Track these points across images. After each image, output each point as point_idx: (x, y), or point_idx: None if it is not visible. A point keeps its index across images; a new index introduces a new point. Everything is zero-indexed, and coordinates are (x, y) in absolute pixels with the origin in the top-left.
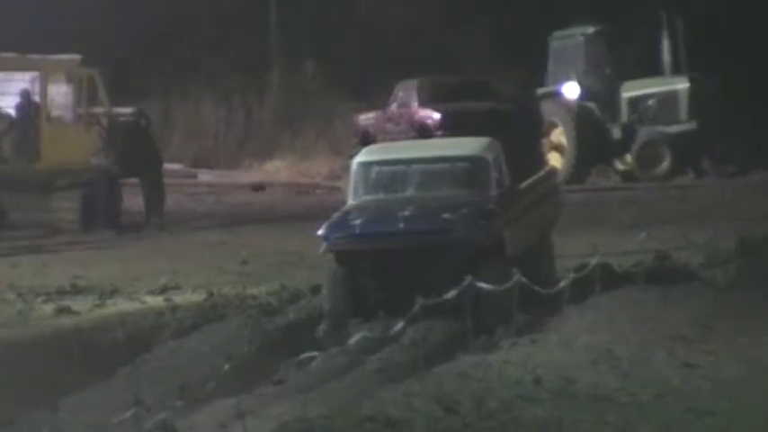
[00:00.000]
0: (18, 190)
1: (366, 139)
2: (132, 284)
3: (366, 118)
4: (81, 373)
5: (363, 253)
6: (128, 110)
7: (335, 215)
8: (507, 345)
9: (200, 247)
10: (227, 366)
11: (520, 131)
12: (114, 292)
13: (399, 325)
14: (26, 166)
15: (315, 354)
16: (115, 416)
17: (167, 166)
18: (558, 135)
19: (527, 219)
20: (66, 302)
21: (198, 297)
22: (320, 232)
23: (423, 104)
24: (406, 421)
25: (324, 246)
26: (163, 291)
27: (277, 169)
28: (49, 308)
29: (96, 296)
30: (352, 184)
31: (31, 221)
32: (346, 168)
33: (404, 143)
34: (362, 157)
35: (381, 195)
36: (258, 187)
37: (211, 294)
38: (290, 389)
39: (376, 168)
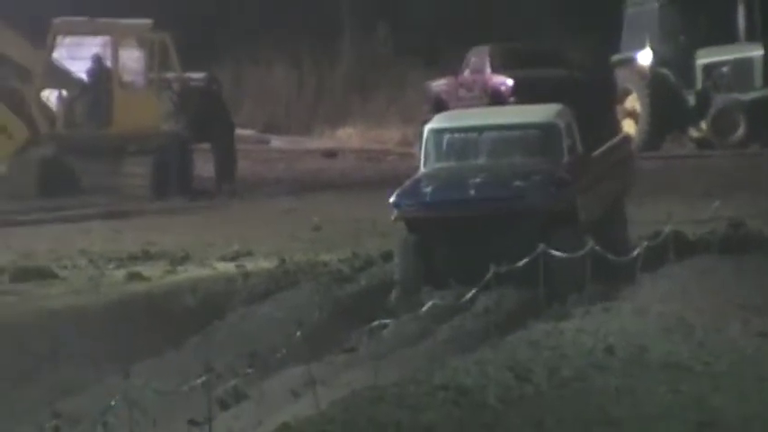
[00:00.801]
0: (89, 155)
1: (438, 105)
2: (204, 251)
3: (438, 84)
4: (152, 339)
5: (435, 221)
6: (199, 75)
7: (407, 182)
8: (580, 313)
9: (271, 213)
10: (298, 333)
11: (593, 99)
12: (185, 258)
13: (471, 293)
14: (97, 131)
15: (386, 321)
16: (186, 383)
17: (239, 131)
18: (633, 102)
19: (600, 187)
20: (138, 268)
21: (269, 264)
22: (391, 200)
23: (495, 71)
24: (479, 389)
25: (395, 213)
26: (234, 257)
27: (349, 136)
28: (120, 274)
29: (167, 262)
30: (423, 152)
31: (103, 187)
32: (419, 135)
33: (475, 110)
34: (434, 123)
35: (453, 163)
36: (330, 153)
37: (283, 261)
38: (361, 357)
39: (448, 135)
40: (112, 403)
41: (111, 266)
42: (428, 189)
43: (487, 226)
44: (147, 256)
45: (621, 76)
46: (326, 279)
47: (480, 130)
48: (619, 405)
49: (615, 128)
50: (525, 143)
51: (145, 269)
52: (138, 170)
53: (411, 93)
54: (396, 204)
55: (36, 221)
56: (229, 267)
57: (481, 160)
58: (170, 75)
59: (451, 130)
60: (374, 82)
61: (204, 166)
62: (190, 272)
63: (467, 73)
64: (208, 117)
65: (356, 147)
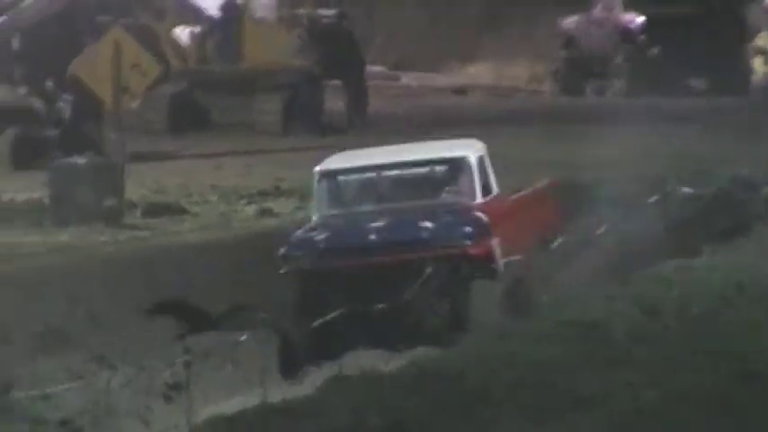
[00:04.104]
0: (220, 91)
1: (569, 43)
2: None
3: (569, 22)
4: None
5: (331, 273)
6: (330, 11)
7: (297, 231)
8: (710, 251)
9: None
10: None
11: (725, 36)
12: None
13: (601, 229)
14: (229, 66)
15: (517, 258)
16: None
17: (369, 68)
18: (764, 40)
19: (521, 232)
20: (268, 204)
21: None
22: (280, 251)
23: (627, 8)
24: (607, 324)
25: (284, 267)
26: None
27: (478, 73)
28: (250, 210)
29: (298, 198)
30: (315, 198)
31: (233, 123)
32: (549, 73)
33: (374, 149)
34: (324, 165)
35: (350, 208)
36: (459, 91)
37: None
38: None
39: (341, 178)
40: (242, 339)
41: (241, 202)
42: (322, 236)
43: (392, 276)
44: (278, 192)
45: (752, 13)
46: None
47: (378, 169)
48: (747, 341)
49: (746, 66)
50: (432, 182)
51: (275, 205)
52: (269, 106)
53: (542, 30)
54: (284, 256)
55: (168, 157)
56: None
57: (382, 204)
58: (301, 11)
59: (345, 172)
60: (505, 18)
61: (335, 102)
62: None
63: (598, 10)
64: (338, 53)
65: (486, 84)
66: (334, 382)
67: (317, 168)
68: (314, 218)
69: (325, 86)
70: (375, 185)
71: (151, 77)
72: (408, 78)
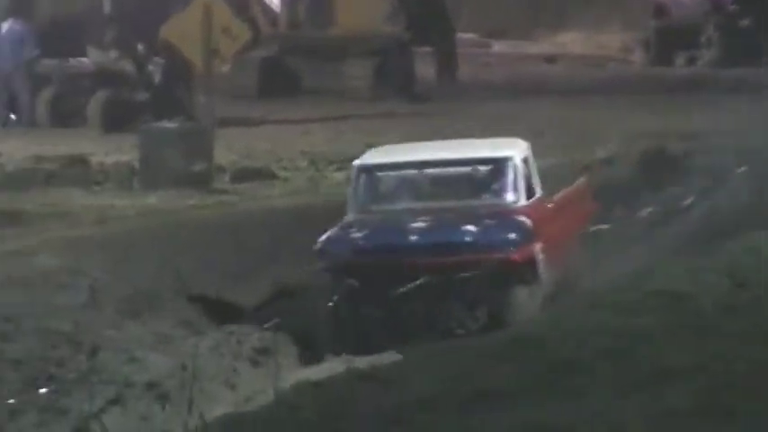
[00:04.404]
0: (311, 56)
1: (660, 11)
2: None
3: None
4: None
5: (369, 269)
6: None
7: (333, 228)
8: None
9: (489, 118)
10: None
11: None
12: None
13: (689, 200)
14: (319, 32)
15: (604, 226)
16: None
17: (460, 35)
18: None
19: (563, 240)
20: None
21: None
22: (316, 246)
23: None
24: (694, 295)
25: (321, 263)
26: None
27: (569, 41)
28: (340, 175)
29: None
30: (352, 193)
31: (324, 88)
32: (639, 42)
33: (416, 144)
34: (364, 160)
35: (387, 206)
36: (550, 59)
37: None
38: (576, 262)
39: (381, 174)
40: (331, 304)
41: (330, 168)
42: (361, 233)
43: (431, 278)
44: None
45: None
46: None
47: (420, 166)
48: None
49: None
50: (474, 181)
51: None
52: (359, 72)
53: None
54: (322, 251)
55: (257, 122)
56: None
57: (422, 203)
58: None
59: (385, 167)
60: None
61: (425, 68)
62: None
63: None
64: (428, 20)
65: (576, 52)
66: (422, 350)
67: (356, 162)
68: (349, 214)
69: (416, 53)
70: (415, 183)
71: (241, 42)
72: (500, 46)
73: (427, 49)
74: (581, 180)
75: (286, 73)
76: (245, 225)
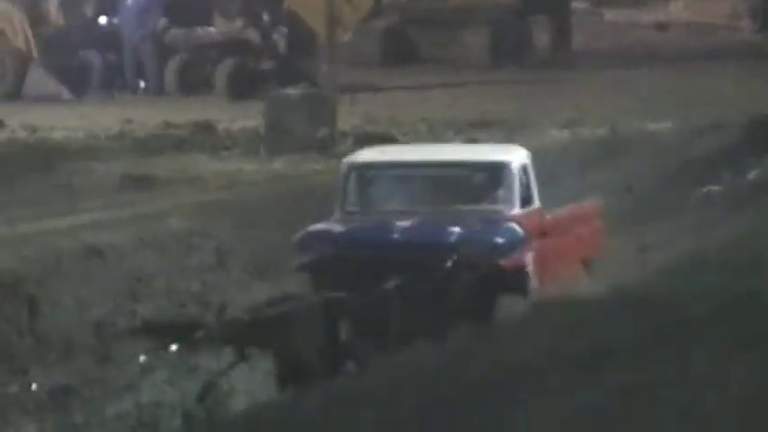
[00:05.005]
0: (430, 25)
1: None
2: (538, 118)
3: None
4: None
5: (350, 264)
6: None
7: (317, 224)
8: None
9: (602, 84)
10: (629, 193)
11: None
12: (521, 125)
13: None
14: (438, 2)
15: (715, 187)
16: None
17: (574, 4)
18: None
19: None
20: (475, 135)
21: (601, 131)
22: (295, 239)
23: None
24: None
25: (301, 257)
26: (567, 125)
27: (680, 9)
28: (458, 140)
29: (503, 129)
30: (342, 191)
31: (442, 56)
32: (747, 10)
33: (410, 145)
34: (355, 158)
35: (377, 205)
36: (661, 26)
37: (614, 129)
38: (689, 221)
39: (372, 172)
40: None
41: (449, 132)
42: (343, 229)
43: (412, 281)
44: (484, 124)
45: None
46: (657, 149)
47: (412, 167)
48: None
49: None
50: (468, 186)
51: (482, 135)
52: (477, 40)
53: None
54: (301, 243)
55: (378, 89)
56: (563, 134)
57: (412, 204)
58: None
59: (376, 166)
60: None
61: (540, 36)
62: (525, 138)
63: None
64: None
65: (687, 20)
66: (539, 307)
67: (346, 160)
68: (337, 211)
69: (531, 21)
70: (406, 184)
71: (363, 11)
72: (611, 14)
73: (541, 17)
74: (592, 202)
75: (407, 42)
76: None
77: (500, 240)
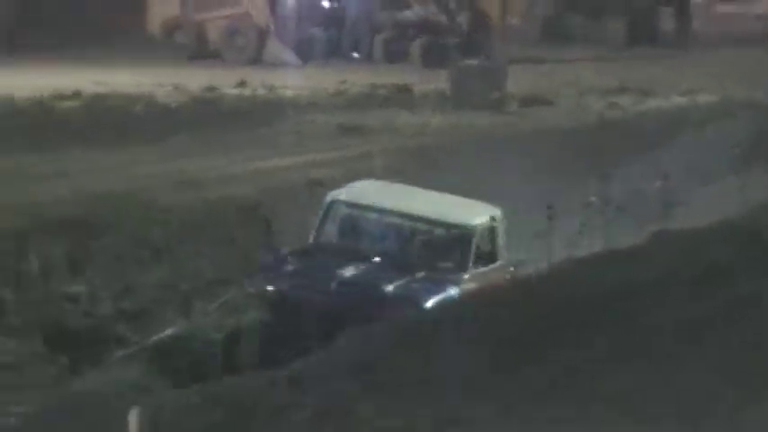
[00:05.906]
0: (579, 12)
1: None
2: (666, 87)
3: None
4: (622, 153)
5: (288, 304)
6: None
7: (282, 250)
8: None
9: (715, 62)
10: (736, 152)
11: None
12: (651, 92)
13: None
14: None
15: None
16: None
17: None
18: None
19: None
20: (614, 99)
21: (713, 98)
22: (260, 263)
23: None
24: None
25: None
26: (687, 93)
27: None
28: (601, 103)
29: (638, 95)
30: (318, 221)
31: (590, 37)
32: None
33: (398, 187)
34: (336, 194)
35: (344, 242)
36: (762, 18)
37: (725, 97)
38: None
39: (346, 211)
40: (592, 199)
41: (593, 97)
42: (290, 269)
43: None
44: (622, 90)
45: None
46: (754, 114)
47: (386, 213)
48: None
49: None
50: (431, 241)
51: (620, 100)
52: (616, 25)
53: None
54: (262, 268)
55: (538, 61)
56: (683, 100)
57: (379, 247)
58: None
59: (355, 207)
60: None
61: (666, 22)
62: (654, 104)
63: None
64: None
65: None
66: (659, 235)
67: (331, 194)
68: (311, 239)
69: (659, 11)
70: (377, 228)
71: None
72: (723, 8)
73: (668, 8)
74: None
75: (562, 24)
76: (527, 138)
77: (429, 301)
